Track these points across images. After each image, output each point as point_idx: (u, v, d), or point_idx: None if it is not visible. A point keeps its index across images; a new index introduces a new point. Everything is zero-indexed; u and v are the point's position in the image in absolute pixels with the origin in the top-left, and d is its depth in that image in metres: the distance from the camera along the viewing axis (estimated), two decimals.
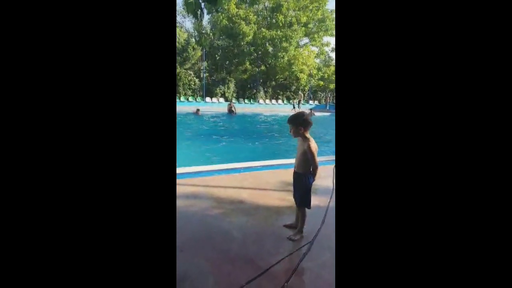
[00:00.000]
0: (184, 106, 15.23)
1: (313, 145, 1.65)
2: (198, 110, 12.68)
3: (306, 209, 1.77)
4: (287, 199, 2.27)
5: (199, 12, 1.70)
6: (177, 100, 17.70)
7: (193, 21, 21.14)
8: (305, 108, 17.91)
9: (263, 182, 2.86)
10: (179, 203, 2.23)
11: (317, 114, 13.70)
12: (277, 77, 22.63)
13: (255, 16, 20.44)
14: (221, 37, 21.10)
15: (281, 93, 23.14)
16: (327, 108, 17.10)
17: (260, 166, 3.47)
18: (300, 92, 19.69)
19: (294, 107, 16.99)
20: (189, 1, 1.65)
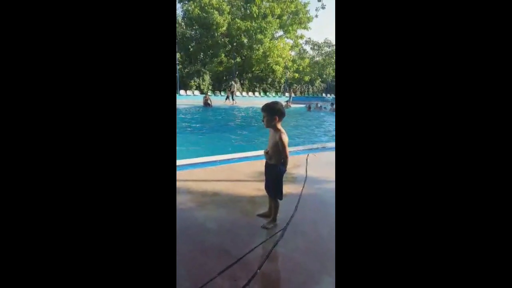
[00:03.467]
0: None
1: (285, 136, 1.68)
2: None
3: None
4: (262, 188, 2.32)
5: None
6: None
7: None
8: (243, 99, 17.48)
9: (239, 173, 2.88)
10: None
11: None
12: (253, 69, 22.50)
13: (229, 6, 19.93)
14: (194, 27, 20.31)
15: (258, 85, 23.11)
16: (290, 100, 17.22)
17: (237, 158, 3.48)
18: (233, 82, 18.58)
19: (227, 98, 16.00)
20: None
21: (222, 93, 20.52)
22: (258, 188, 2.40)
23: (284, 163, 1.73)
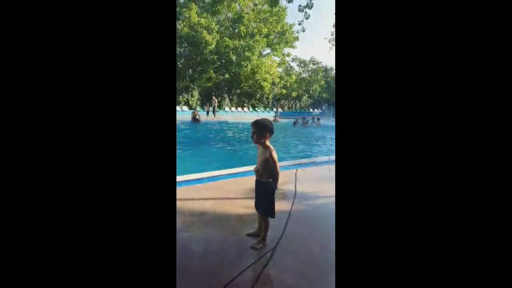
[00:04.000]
0: None
1: (274, 153, 1.68)
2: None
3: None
4: (251, 206, 2.26)
5: None
6: None
7: None
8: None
9: (227, 191, 2.81)
10: None
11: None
12: (241, 85, 22.94)
13: (218, 26, 20.58)
14: (183, 45, 20.67)
15: (246, 100, 23.45)
16: (278, 115, 17.75)
17: (224, 174, 3.41)
18: (214, 98, 18.85)
19: (208, 114, 16.21)
20: None
21: (210, 109, 20.60)
22: (246, 206, 2.34)
23: (275, 179, 1.71)
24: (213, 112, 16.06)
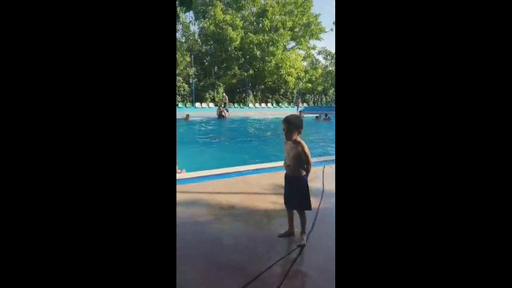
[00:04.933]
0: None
1: (306, 147, 1.68)
2: (188, 115, 12.57)
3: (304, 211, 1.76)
4: (279, 202, 2.27)
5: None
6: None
7: (181, 28, 21.02)
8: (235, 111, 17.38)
9: (254, 186, 2.85)
10: None
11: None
12: (265, 80, 22.82)
13: (242, 21, 20.62)
14: (209, 43, 21.12)
15: (270, 96, 23.32)
16: (298, 110, 17.31)
17: (251, 170, 3.46)
18: (224, 94, 18.70)
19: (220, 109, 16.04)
20: None
21: (235, 105, 20.87)
22: (274, 202, 2.36)
23: (308, 172, 1.72)
24: (225, 108, 16.00)
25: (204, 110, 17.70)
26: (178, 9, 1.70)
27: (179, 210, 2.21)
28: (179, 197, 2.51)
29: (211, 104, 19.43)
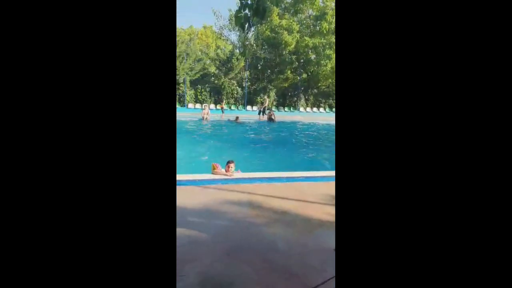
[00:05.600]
0: (226, 114, 15.97)
1: None
2: (237, 117, 13.16)
3: None
4: (332, 213, 2.18)
5: (246, 25, 1.80)
6: (226, 107, 18.58)
7: (238, 33, 22.19)
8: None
9: (306, 194, 2.80)
10: (223, 208, 2.33)
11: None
12: (319, 84, 22.16)
13: (298, 25, 20.52)
14: (263, 47, 21.69)
15: (323, 100, 22.52)
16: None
17: (302, 177, 3.41)
18: (265, 97, 17.86)
19: (259, 113, 15.40)
20: (238, 14, 1.77)
21: (286, 109, 20.83)
22: (328, 213, 2.27)
23: None
24: (263, 113, 15.56)
25: (254, 113, 18.23)
26: (248, 20, 1.79)
27: (234, 209, 2.34)
28: (233, 196, 2.65)
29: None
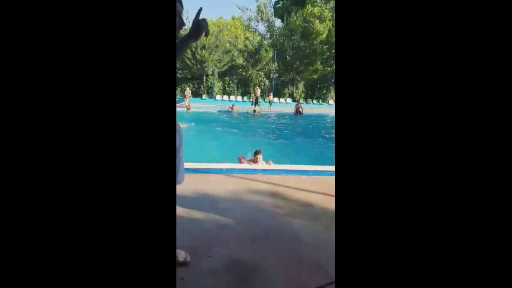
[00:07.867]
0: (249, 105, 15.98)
1: None
2: (232, 106, 13.12)
3: None
4: None
5: (285, 16, 1.78)
6: (247, 100, 18.64)
7: (266, 24, 21.77)
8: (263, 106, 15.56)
9: (333, 188, 2.74)
10: (250, 197, 2.39)
11: None
12: None
13: (331, 13, 19.50)
14: (293, 37, 21.11)
15: None
16: None
17: (330, 171, 3.33)
18: (257, 87, 16.87)
19: (252, 104, 14.72)
20: (277, 5, 1.75)
21: (314, 101, 20.25)
22: None
23: None
24: (255, 104, 15.05)
25: (281, 105, 17.99)
26: (286, 11, 1.76)
27: (259, 198, 2.39)
28: (258, 186, 2.70)
29: (289, 100, 19.55)
